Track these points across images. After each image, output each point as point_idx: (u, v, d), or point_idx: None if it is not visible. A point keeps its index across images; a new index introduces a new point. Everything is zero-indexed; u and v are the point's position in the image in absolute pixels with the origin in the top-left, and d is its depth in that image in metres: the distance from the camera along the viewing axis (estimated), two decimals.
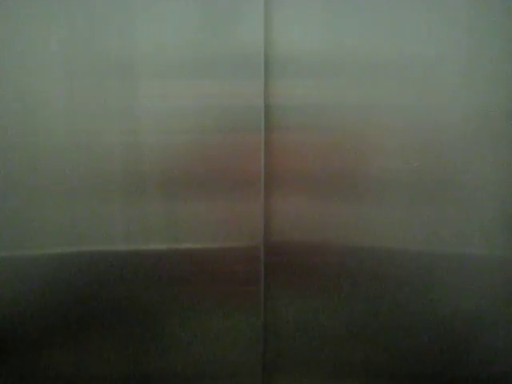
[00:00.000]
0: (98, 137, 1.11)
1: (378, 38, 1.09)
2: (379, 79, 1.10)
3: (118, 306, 1.18)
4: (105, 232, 1.15)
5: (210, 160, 1.13)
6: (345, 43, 1.09)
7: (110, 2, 1.07)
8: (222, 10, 1.08)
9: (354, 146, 1.13)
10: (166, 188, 1.13)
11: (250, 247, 1.16)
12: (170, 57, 1.09)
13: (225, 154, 1.12)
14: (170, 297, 1.19)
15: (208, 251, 1.17)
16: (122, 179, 1.13)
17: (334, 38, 1.09)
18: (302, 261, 1.18)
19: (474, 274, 1.16)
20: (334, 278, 1.18)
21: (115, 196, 1.14)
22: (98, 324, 1.19)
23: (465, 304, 1.17)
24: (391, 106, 1.11)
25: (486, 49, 1.08)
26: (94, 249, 1.15)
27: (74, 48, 1.08)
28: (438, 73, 1.09)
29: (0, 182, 1.12)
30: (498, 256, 1.15)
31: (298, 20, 1.09)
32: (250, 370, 1.23)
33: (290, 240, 1.17)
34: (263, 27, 1.08)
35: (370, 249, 1.17)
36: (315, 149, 1.13)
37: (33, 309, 1.17)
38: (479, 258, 1.15)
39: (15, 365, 1.20)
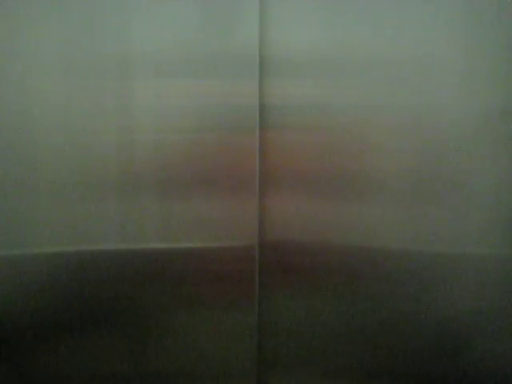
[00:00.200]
0: (94, 136, 1.11)
1: (373, 38, 1.09)
2: (375, 79, 1.10)
3: (113, 305, 1.18)
4: (100, 231, 1.15)
5: (204, 159, 1.13)
6: (340, 43, 1.09)
7: (106, 2, 1.07)
8: (217, 10, 1.08)
9: (349, 145, 1.13)
10: (161, 187, 1.14)
11: (244, 246, 1.16)
12: (165, 56, 1.09)
13: (220, 153, 1.12)
14: (165, 296, 1.19)
15: (203, 250, 1.17)
16: (118, 178, 1.13)
17: (329, 38, 1.09)
18: (297, 260, 1.18)
19: (474, 274, 1.16)
20: (329, 278, 1.19)
21: (111, 195, 1.14)
22: (94, 323, 1.19)
23: (464, 303, 1.18)
24: (387, 105, 1.11)
25: (485, 48, 1.08)
26: (89, 248, 1.15)
27: (71, 47, 1.08)
28: (436, 73, 1.09)
29: None
30: (498, 255, 1.15)
31: (293, 20, 1.09)
32: (244, 368, 1.23)
33: (284, 239, 1.17)
34: (258, 27, 1.08)
35: (366, 248, 1.17)
36: (310, 148, 1.13)
37: (30, 308, 1.17)
38: (479, 258, 1.15)
39: (13, 364, 1.20)
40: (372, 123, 1.12)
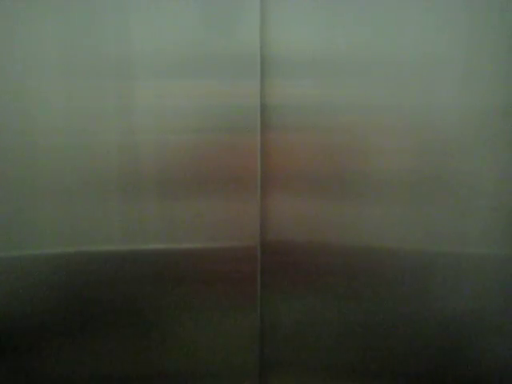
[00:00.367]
0: (95, 136, 1.11)
1: (374, 38, 1.09)
2: (376, 79, 1.10)
3: (115, 306, 1.18)
4: (101, 232, 1.15)
5: (206, 160, 1.13)
6: (341, 43, 1.09)
7: (106, 2, 1.07)
8: (217, 10, 1.08)
9: (350, 145, 1.13)
10: (163, 188, 1.13)
11: (246, 247, 1.16)
12: (166, 57, 1.09)
13: (221, 153, 1.12)
14: (167, 297, 1.19)
15: (204, 251, 1.17)
16: (119, 179, 1.13)
17: (330, 38, 1.09)
18: (299, 260, 1.18)
19: (474, 274, 1.16)
20: (331, 278, 1.19)
21: (112, 196, 1.14)
22: (94, 323, 1.19)
23: (464, 303, 1.18)
24: (388, 105, 1.11)
25: (485, 48, 1.08)
26: (90, 249, 1.15)
27: (71, 47, 1.07)
28: (436, 73, 1.09)
29: None
30: (498, 255, 1.15)
31: (294, 20, 1.09)
32: (246, 369, 1.23)
33: (286, 240, 1.17)
34: (259, 27, 1.08)
35: (367, 248, 1.17)
36: (311, 148, 1.13)
37: (30, 309, 1.17)
38: (479, 258, 1.15)
39: (13, 364, 1.20)
40: (373, 123, 1.12)
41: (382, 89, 1.10)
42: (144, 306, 1.19)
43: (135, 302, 1.19)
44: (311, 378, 1.25)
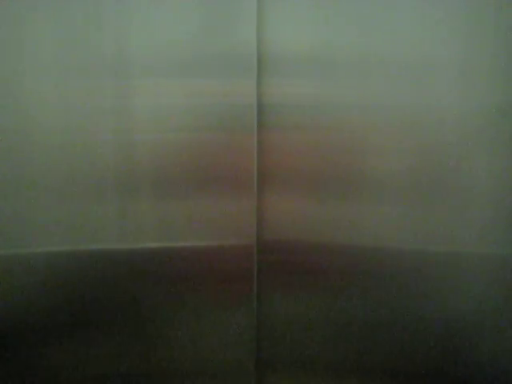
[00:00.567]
0: (92, 136, 1.11)
1: (372, 37, 1.09)
2: (373, 78, 1.10)
3: (111, 305, 1.19)
4: (98, 230, 1.15)
5: (203, 159, 1.13)
6: (338, 42, 1.10)
7: (105, 2, 1.07)
8: (215, 10, 1.08)
9: (347, 144, 1.13)
10: (159, 186, 1.14)
11: (242, 245, 1.16)
12: (163, 55, 1.09)
13: (218, 152, 1.13)
14: (163, 295, 1.19)
15: (201, 250, 1.17)
16: (116, 178, 1.13)
17: (326, 37, 1.09)
18: (295, 259, 1.18)
19: (474, 274, 1.16)
20: (327, 277, 1.19)
21: (109, 194, 1.14)
22: (92, 322, 1.19)
23: (464, 303, 1.17)
24: (385, 105, 1.11)
25: (485, 48, 1.08)
26: (87, 247, 1.15)
27: (70, 47, 1.08)
28: (435, 72, 1.09)
29: None
30: (498, 255, 1.15)
31: (291, 19, 1.09)
32: (242, 368, 1.23)
33: (282, 238, 1.17)
34: (256, 26, 1.08)
35: (364, 248, 1.17)
36: (308, 148, 1.13)
37: (28, 307, 1.17)
38: (479, 258, 1.15)
39: (12, 364, 1.20)
40: (370, 123, 1.12)
41: (379, 88, 1.11)
42: (140, 305, 1.19)
43: (132, 301, 1.19)
44: (307, 377, 1.25)
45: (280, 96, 1.12)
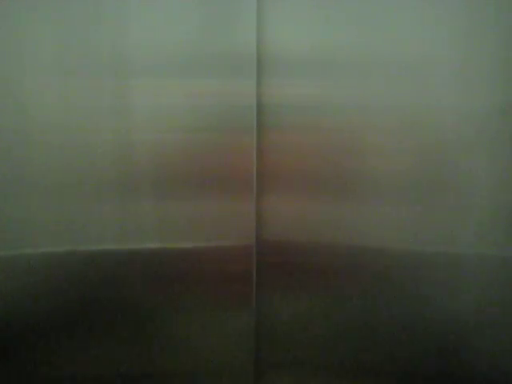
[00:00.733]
0: (92, 135, 1.11)
1: (372, 37, 1.09)
2: (373, 78, 1.10)
3: (111, 305, 1.19)
4: (97, 231, 1.15)
5: (202, 159, 1.13)
6: (338, 43, 1.09)
7: (104, 2, 1.07)
8: (214, 10, 1.08)
9: (346, 145, 1.13)
10: (158, 187, 1.14)
11: (242, 246, 1.16)
12: (162, 56, 1.09)
13: (217, 153, 1.12)
14: (162, 296, 1.19)
15: (200, 250, 1.17)
16: (116, 178, 1.13)
17: (327, 38, 1.09)
18: (294, 260, 1.18)
19: (474, 274, 1.16)
20: (327, 277, 1.19)
21: (108, 195, 1.14)
22: (91, 323, 1.19)
23: (464, 304, 1.17)
24: (385, 105, 1.11)
25: (485, 48, 1.08)
26: (87, 248, 1.15)
27: (69, 47, 1.08)
28: (435, 73, 1.09)
29: None
30: (498, 255, 1.15)
31: (291, 19, 1.09)
32: (241, 368, 1.23)
33: (282, 239, 1.17)
34: (256, 26, 1.08)
35: (364, 248, 1.17)
36: (308, 148, 1.13)
37: (27, 308, 1.17)
38: (479, 258, 1.15)
39: (11, 364, 1.20)
40: (370, 123, 1.12)
41: (379, 88, 1.10)
42: (139, 305, 1.19)
43: (131, 301, 1.19)
44: (306, 378, 1.24)
45: (280, 96, 1.11)
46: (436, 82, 1.09)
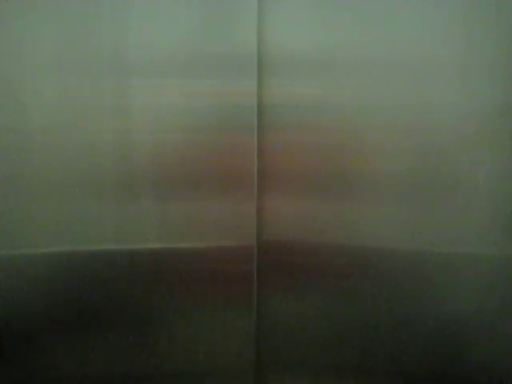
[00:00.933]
0: (92, 136, 1.11)
1: (372, 38, 1.09)
2: (374, 79, 1.10)
3: (111, 305, 1.18)
4: (98, 231, 1.15)
5: (203, 159, 1.13)
6: (339, 43, 1.09)
7: (104, 1, 1.07)
8: (215, 10, 1.08)
9: (347, 145, 1.13)
10: (159, 187, 1.13)
11: (243, 246, 1.16)
12: (163, 56, 1.09)
13: (218, 153, 1.12)
14: (163, 297, 1.19)
15: (201, 251, 1.17)
16: (116, 178, 1.13)
17: (327, 38, 1.09)
18: (295, 260, 1.18)
19: (474, 274, 1.16)
20: (328, 278, 1.19)
21: (109, 195, 1.14)
22: (91, 323, 1.19)
23: (464, 304, 1.17)
24: (385, 105, 1.11)
25: (485, 48, 1.08)
26: (87, 248, 1.15)
27: (69, 47, 1.07)
28: (435, 73, 1.09)
29: None
30: (498, 256, 1.15)
31: (291, 20, 1.09)
32: (242, 369, 1.23)
33: (283, 239, 1.17)
34: (256, 27, 1.08)
35: (364, 248, 1.17)
36: (308, 148, 1.13)
37: (27, 308, 1.17)
38: (479, 258, 1.15)
39: (12, 364, 1.20)
40: (371, 123, 1.12)
41: (379, 89, 1.11)
42: (140, 306, 1.19)
43: (131, 302, 1.19)
44: (307, 377, 1.25)
45: (280, 97, 1.11)
46: (436, 82, 1.10)
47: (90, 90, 1.09)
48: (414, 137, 1.12)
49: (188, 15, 1.08)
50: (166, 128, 1.11)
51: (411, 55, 1.09)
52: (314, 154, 1.13)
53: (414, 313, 1.19)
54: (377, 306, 1.19)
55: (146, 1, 1.07)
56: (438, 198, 1.14)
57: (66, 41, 1.07)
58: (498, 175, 1.13)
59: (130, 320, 1.20)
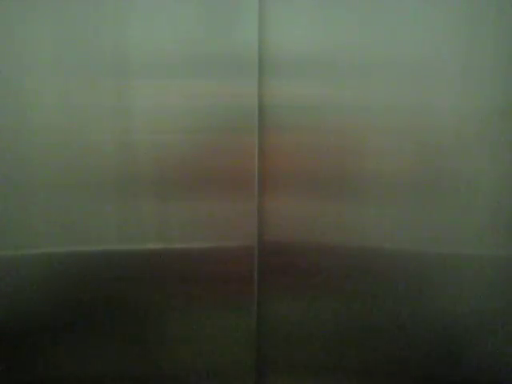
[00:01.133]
0: (92, 136, 1.11)
1: (373, 38, 1.09)
2: (374, 79, 1.10)
3: (111, 306, 1.18)
4: (98, 232, 1.14)
5: (203, 160, 1.13)
6: (340, 43, 1.09)
7: (105, 1, 1.06)
8: (216, 10, 1.07)
9: (348, 146, 1.13)
10: (160, 188, 1.13)
11: (243, 247, 1.16)
12: (163, 56, 1.09)
13: (219, 153, 1.12)
14: (164, 297, 1.19)
15: (202, 251, 1.17)
16: (117, 179, 1.13)
17: (328, 39, 1.09)
18: (296, 261, 1.18)
19: (474, 275, 1.16)
20: (328, 278, 1.19)
21: (109, 196, 1.13)
22: (91, 323, 1.19)
23: (464, 304, 1.18)
24: (386, 106, 1.11)
25: (485, 48, 1.08)
26: (87, 249, 1.15)
27: (69, 47, 1.07)
28: (435, 73, 1.09)
29: None
30: (498, 256, 1.15)
31: (292, 20, 1.09)
32: (242, 370, 1.23)
33: (283, 240, 1.17)
34: (257, 27, 1.08)
35: (365, 249, 1.17)
36: (309, 149, 1.13)
37: (27, 308, 1.17)
38: (479, 258, 1.16)
39: (12, 364, 1.20)
40: (371, 124, 1.12)
41: (380, 89, 1.10)
42: (141, 306, 1.19)
43: (132, 302, 1.19)
44: (307, 378, 1.25)
45: (281, 97, 1.11)
46: (437, 83, 1.10)
47: (91, 90, 1.09)
48: (416, 137, 1.12)
49: (189, 15, 1.08)
50: (166, 128, 1.11)
51: (413, 56, 1.09)
52: (315, 154, 1.13)
53: (413, 313, 1.19)
54: (378, 307, 1.19)
55: (147, 1, 1.07)
56: (438, 198, 1.14)
57: (66, 41, 1.07)
58: (498, 175, 1.13)
59: (130, 320, 1.20)
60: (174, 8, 1.07)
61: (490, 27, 1.07)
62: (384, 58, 1.09)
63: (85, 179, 1.12)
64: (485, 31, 1.07)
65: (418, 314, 1.19)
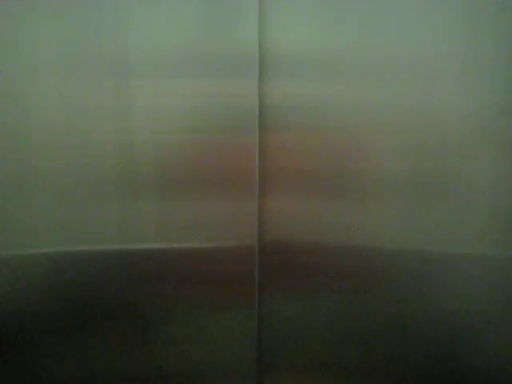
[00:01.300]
0: (92, 136, 1.11)
1: (373, 38, 1.09)
2: (375, 79, 1.10)
3: (112, 306, 1.18)
4: (99, 231, 1.14)
5: (204, 159, 1.13)
6: (340, 43, 1.09)
7: (105, 1, 1.06)
8: (216, 10, 1.07)
9: (348, 145, 1.13)
10: (160, 187, 1.13)
11: (244, 247, 1.16)
12: (164, 56, 1.09)
13: (219, 153, 1.12)
14: (164, 296, 1.19)
15: (202, 251, 1.17)
16: (117, 179, 1.13)
17: (328, 38, 1.09)
18: (296, 260, 1.18)
19: (474, 274, 1.16)
20: (329, 278, 1.19)
21: (110, 195, 1.13)
22: (92, 323, 1.19)
23: (464, 304, 1.18)
24: (386, 105, 1.11)
25: (485, 48, 1.08)
26: (88, 248, 1.15)
27: (70, 47, 1.07)
28: (436, 73, 1.09)
29: None
30: (498, 256, 1.15)
31: (292, 19, 1.09)
32: (243, 369, 1.23)
33: (284, 240, 1.17)
34: (258, 26, 1.08)
35: (365, 248, 1.17)
36: (309, 149, 1.13)
37: (28, 308, 1.17)
38: (479, 258, 1.16)
39: (12, 364, 1.20)
40: (372, 123, 1.12)
41: (380, 89, 1.10)
42: (141, 306, 1.19)
43: (132, 302, 1.19)
44: (308, 379, 1.25)
45: (282, 97, 1.11)
46: (437, 83, 1.10)
47: (91, 90, 1.09)
48: (416, 137, 1.12)
49: (189, 15, 1.07)
50: (166, 128, 1.11)
51: (413, 55, 1.09)
52: (315, 154, 1.13)
53: (414, 313, 1.19)
54: (378, 307, 1.19)
55: (147, 1, 1.06)
56: (439, 198, 1.14)
57: (66, 41, 1.07)
58: (498, 175, 1.13)
59: (130, 320, 1.20)
60: (174, 8, 1.07)
61: (490, 27, 1.07)
62: (384, 58, 1.09)
63: (85, 179, 1.12)
64: (485, 31, 1.07)
65: (418, 313, 1.19)
